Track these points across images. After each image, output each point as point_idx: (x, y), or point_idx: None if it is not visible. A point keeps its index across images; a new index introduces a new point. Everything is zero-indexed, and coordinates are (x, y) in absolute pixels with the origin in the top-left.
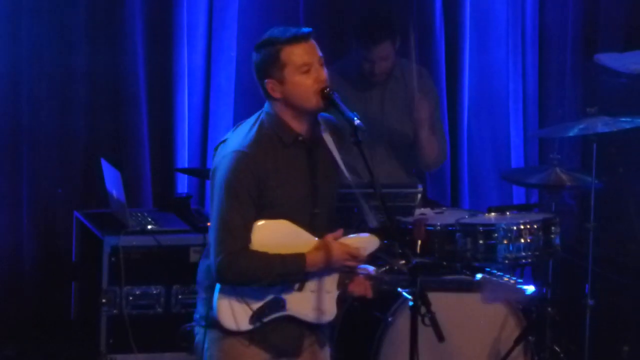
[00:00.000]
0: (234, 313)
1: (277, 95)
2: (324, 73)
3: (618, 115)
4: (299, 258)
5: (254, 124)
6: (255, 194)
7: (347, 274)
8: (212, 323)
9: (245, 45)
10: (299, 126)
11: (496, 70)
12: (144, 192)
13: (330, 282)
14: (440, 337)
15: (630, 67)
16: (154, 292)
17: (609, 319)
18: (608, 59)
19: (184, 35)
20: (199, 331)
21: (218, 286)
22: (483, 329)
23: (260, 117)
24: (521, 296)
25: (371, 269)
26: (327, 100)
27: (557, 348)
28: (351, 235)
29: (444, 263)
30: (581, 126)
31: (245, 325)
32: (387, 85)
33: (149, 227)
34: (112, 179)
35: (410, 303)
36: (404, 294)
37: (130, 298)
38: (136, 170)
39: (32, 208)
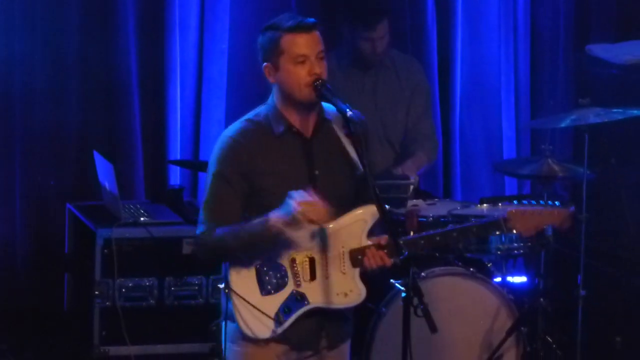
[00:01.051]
0: (259, 321)
1: (272, 80)
2: (321, 67)
3: (610, 106)
4: (262, 218)
5: (254, 111)
6: (242, 178)
7: (357, 250)
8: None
9: (237, 37)
10: (293, 116)
11: (488, 62)
12: (137, 185)
13: (340, 263)
14: (433, 328)
15: (622, 57)
16: (147, 284)
17: (601, 310)
18: (600, 50)
19: (176, 28)
20: (221, 326)
21: (231, 297)
22: (475, 320)
23: (263, 107)
24: (564, 216)
25: (384, 237)
26: (318, 92)
27: (549, 339)
28: (347, 214)
29: (437, 254)
30: (573, 117)
31: (268, 333)
32: (379, 76)
33: (142, 219)
34: (104, 172)
35: (403, 294)
36: (397, 285)
37: (123, 290)
38: (129, 163)
39: (25, 201)
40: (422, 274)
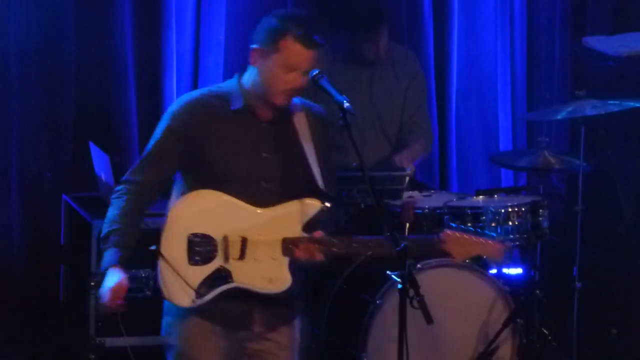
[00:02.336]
0: (181, 289)
1: (254, 63)
2: (302, 82)
3: (606, 98)
4: (114, 257)
5: (215, 86)
6: (187, 140)
7: (291, 240)
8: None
9: (234, 29)
10: (255, 100)
11: (484, 54)
12: None
13: (273, 249)
14: (429, 320)
15: (619, 49)
16: (143, 275)
17: (596, 302)
18: (596, 42)
19: (172, 19)
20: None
21: (158, 263)
22: (472, 311)
23: (225, 82)
24: (497, 250)
25: (319, 232)
26: (316, 83)
27: (545, 330)
28: (291, 202)
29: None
30: (569, 109)
31: (189, 302)
32: (376, 68)
33: None
34: (101, 163)
35: (399, 286)
36: (393, 276)
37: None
38: (125, 154)
39: (21, 192)
40: (418, 265)
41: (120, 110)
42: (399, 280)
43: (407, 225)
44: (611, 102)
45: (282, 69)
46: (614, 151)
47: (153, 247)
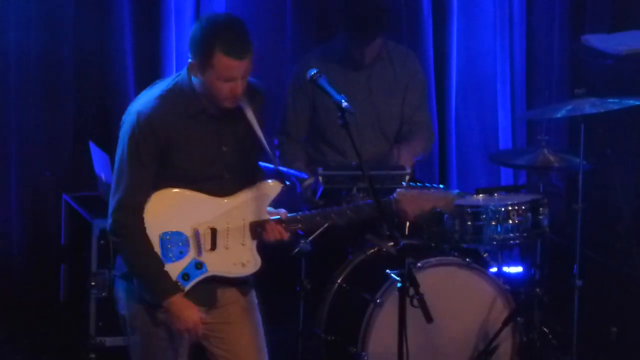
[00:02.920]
0: None
1: (194, 75)
2: (241, 88)
3: (605, 97)
4: (167, 290)
5: (170, 84)
6: (157, 152)
7: (257, 223)
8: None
9: None
10: (208, 104)
11: (484, 53)
12: None
13: (241, 234)
14: (429, 319)
15: (618, 48)
16: None
17: (597, 300)
18: (595, 40)
19: (172, 17)
20: (119, 283)
21: None
22: (471, 310)
23: (176, 81)
24: (447, 200)
25: (282, 211)
26: (314, 83)
27: (545, 329)
28: (251, 187)
29: (432, 245)
30: (569, 107)
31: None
32: (374, 67)
33: None
34: (100, 162)
35: (399, 284)
36: (393, 275)
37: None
38: None
39: (20, 191)
40: (418, 264)
41: (120, 110)
42: (398, 279)
43: (407, 224)
44: (610, 100)
45: (219, 81)
46: (614, 149)
47: None
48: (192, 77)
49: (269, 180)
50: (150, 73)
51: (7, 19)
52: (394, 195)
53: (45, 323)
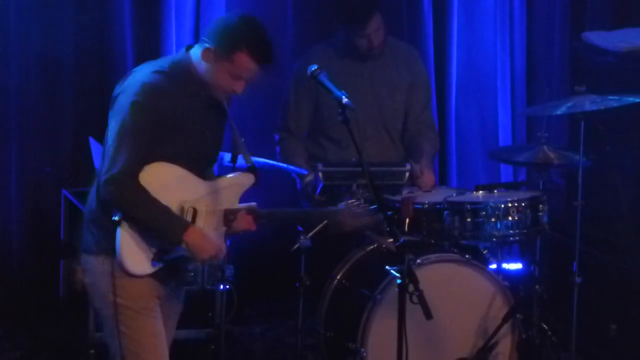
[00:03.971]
0: (136, 258)
1: (205, 59)
2: (243, 89)
3: (606, 94)
4: (183, 224)
5: (170, 62)
6: (156, 124)
7: (230, 211)
8: (108, 254)
9: None
10: (204, 88)
11: (484, 49)
12: None
13: (217, 220)
14: (428, 315)
15: (618, 45)
16: None
17: (596, 297)
18: (596, 37)
19: (172, 14)
20: (89, 260)
21: (119, 230)
22: (471, 306)
23: (174, 59)
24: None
25: (253, 204)
26: (315, 79)
27: (544, 326)
28: (229, 175)
29: (432, 241)
30: (569, 104)
31: (149, 267)
32: (378, 62)
33: None
34: (100, 158)
35: (398, 281)
36: (392, 272)
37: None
38: None
39: (20, 187)
40: (418, 260)
41: None
42: (398, 275)
43: (407, 220)
44: (610, 97)
45: (229, 75)
46: (614, 146)
47: (115, 217)
48: (195, 59)
49: (245, 172)
50: None
51: (8, 16)
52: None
53: (44, 318)
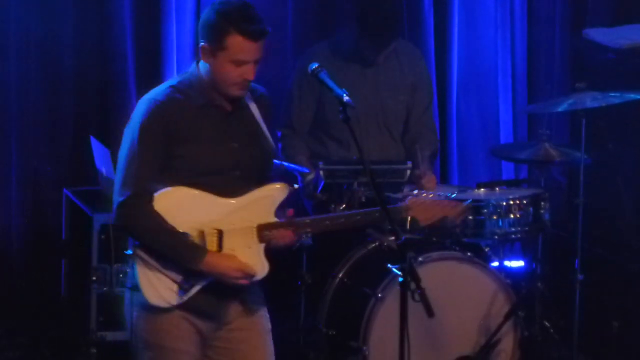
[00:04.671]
0: (159, 289)
1: (204, 60)
2: (253, 73)
3: (607, 91)
4: (199, 252)
5: (180, 77)
6: (165, 142)
7: (265, 226)
8: (136, 288)
9: None
10: (217, 95)
11: (485, 47)
12: None
13: (248, 237)
14: (430, 313)
15: (619, 42)
16: None
17: (598, 294)
18: (597, 34)
19: (173, 12)
20: (127, 294)
21: (134, 263)
22: (473, 304)
23: (186, 73)
24: (459, 209)
25: (290, 214)
26: (315, 76)
27: (546, 323)
28: (259, 188)
29: (434, 239)
30: (570, 101)
31: (174, 299)
32: (380, 63)
33: None
34: (101, 157)
35: (400, 279)
36: (394, 270)
37: (120, 275)
38: None
39: (21, 186)
40: (419, 258)
41: (121, 105)
42: (400, 273)
43: (409, 218)
44: (612, 94)
45: (231, 64)
46: (615, 143)
47: (129, 252)
48: (201, 65)
49: (277, 183)
50: (150, 68)
51: (7, 14)
52: (406, 201)
53: (46, 317)
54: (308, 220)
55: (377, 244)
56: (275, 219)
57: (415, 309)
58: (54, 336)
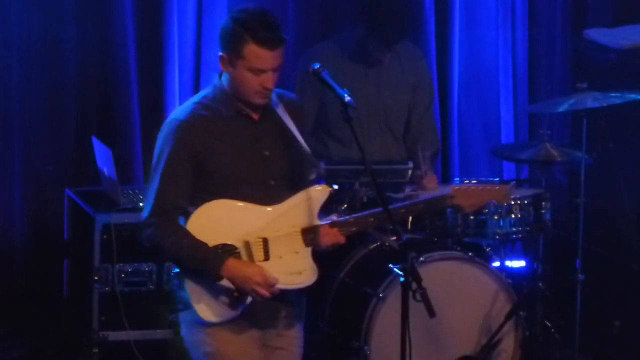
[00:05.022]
0: (212, 305)
1: (224, 70)
2: (274, 80)
3: (608, 91)
4: (220, 257)
5: (203, 93)
6: (192, 159)
7: (310, 229)
8: (189, 306)
9: None
10: (241, 103)
11: (486, 46)
12: (136, 170)
13: (294, 242)
14: (431, 313)
15: (620, 42)
16: (146, 269)
17: (599, 294)
18: (597, 34)
19: (174, 12)
20: (180, 316)
21: (185, 284)
22: (474, 304)
23: (211, 86)
24: (504, 192)
25: (334, 216)
26: (317, 77)
27: (547, 323)
28: (298, 193)
29: (435, 239)
30: (571, 102)
31: (229, 314)
32: (384, 63)
33: (141, 204)
34: (103, 157)
35: (402, 279)
36: (395, 270)
37: (122, 275)
38: (127, 148)
39: (23, 186)
40: (421, 258)
41: (123, 105)
42: (401, 273)
43: (410, 218)
44: (613, 94)
45: (250, 73)
46: (616, 143)
47: (175, 270)
48: (223, 77)
49: (317, 185)
50: (152, 68)
51: (9, 14)
52: (449, 190)
53: (48, 317)
54: (352, 219)
55: (378, 243)
56: (318, 222)
57: (416, 308)
58: (56, 336)
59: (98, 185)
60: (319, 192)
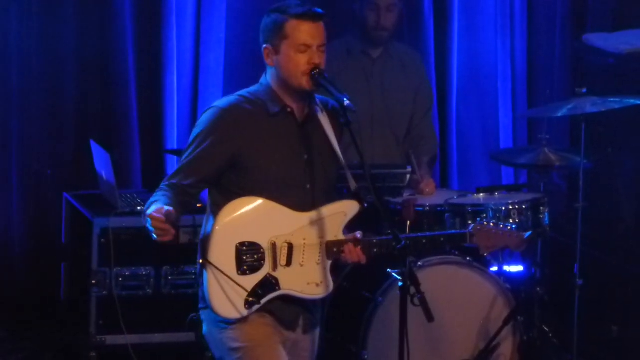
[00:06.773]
0: (230, 299)
1: (270, 62)
2: (320, 57)
3: (607, 96)
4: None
5: (250, 88)
6: (224, 150)
7: (334, 243)
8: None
9: (234, 26)
10: (289, 99)
11: (485, 51)
12: (134, 174)
13: (317, 253)
14: (430, 317)
15: (619, 47)
16: (144, 273)
17: (597, 299)
18: (597, 39)
19: (173, 16)
20: (202, 313)
21: (205, 275)
22: (472, 309)
23: (259, 83)
24: (519, 241)
25: (358, 234)
26: (315, 81)
27: (546, 328)
28: (331, 204)
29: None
30: (570, 106)
31: (244, 310)
32: (387, 66)
33: (139, 208)
34: (101, 161)
35: (400, 283)
36: (393, 274)
37: (120, 279)
38: (125, 152)
39: (21, 190)
40: (419, 263)
41: (121, 109)
42: (399, 277)
43: (409, 222)
44: (612, 99)
45: (295, 51)
46: (615, 148)
47: (200, 260)
48: (268, 74)
49: (349, 200)
50: (151, 71)
51: (9, 20)
52: (470, 229)
53: (45, 321)
54: (375, 241)
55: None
56: (343, 236)
57: (414, 313)
58: (54, 340)
59: (96, 189)
60: (350, 207)
